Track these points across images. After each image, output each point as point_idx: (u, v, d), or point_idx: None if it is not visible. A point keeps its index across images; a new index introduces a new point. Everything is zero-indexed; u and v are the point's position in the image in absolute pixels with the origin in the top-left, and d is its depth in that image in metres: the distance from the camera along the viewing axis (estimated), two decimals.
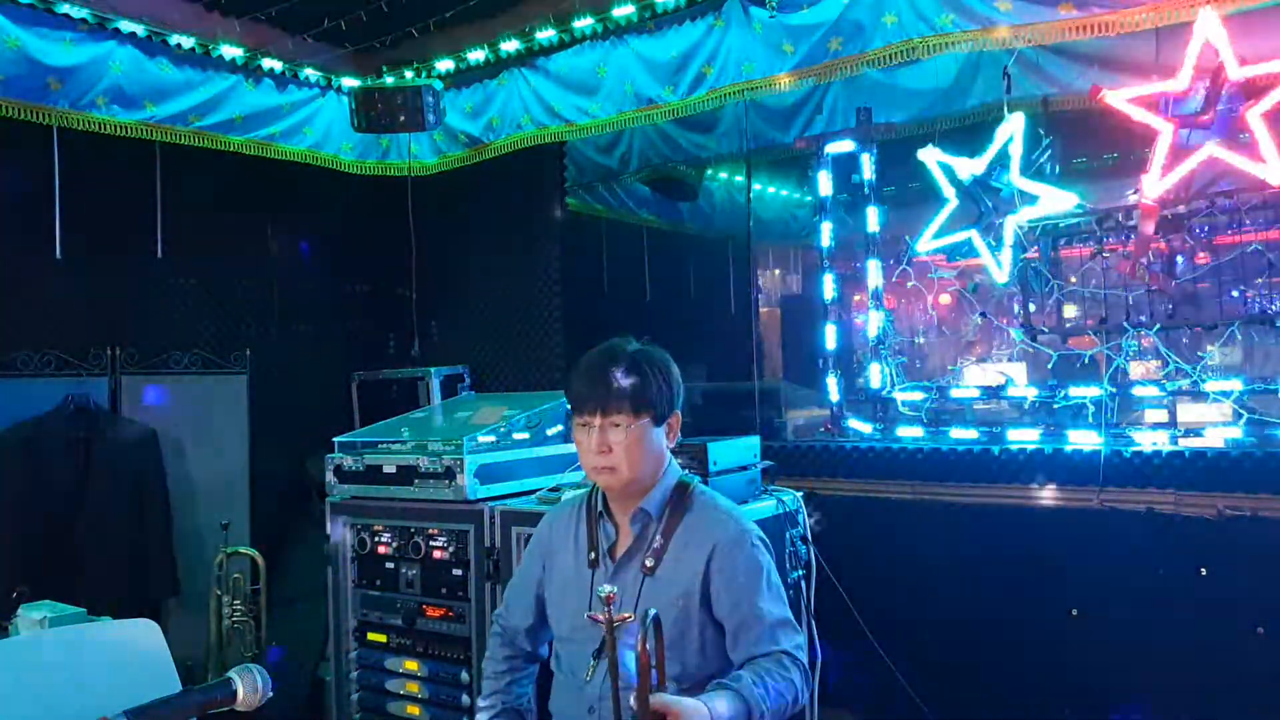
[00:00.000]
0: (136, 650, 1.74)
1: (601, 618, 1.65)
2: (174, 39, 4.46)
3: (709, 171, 6.83)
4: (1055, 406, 4.20)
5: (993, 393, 4.56)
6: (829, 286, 5.00)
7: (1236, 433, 3.72)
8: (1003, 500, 3.90)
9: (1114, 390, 4.03)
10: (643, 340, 2.15)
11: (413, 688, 3.15)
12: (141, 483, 4.40)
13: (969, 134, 4.89)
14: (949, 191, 4.61)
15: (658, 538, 2.08)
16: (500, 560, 2.94)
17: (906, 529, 4.10)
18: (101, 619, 2.06)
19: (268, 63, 4.80)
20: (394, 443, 3.28)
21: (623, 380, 2.03)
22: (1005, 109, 4.34)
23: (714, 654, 2.06)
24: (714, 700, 1.82)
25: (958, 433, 4.37)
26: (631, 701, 1.68)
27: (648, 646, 1.64)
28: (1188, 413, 4.10)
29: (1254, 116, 3.60)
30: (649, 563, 2.06)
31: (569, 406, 2.14)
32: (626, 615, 1.69)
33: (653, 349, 2.13)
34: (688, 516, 2.10)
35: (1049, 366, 4.48)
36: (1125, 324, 4.23)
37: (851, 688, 3.93)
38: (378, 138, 5.27)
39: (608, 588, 1.66)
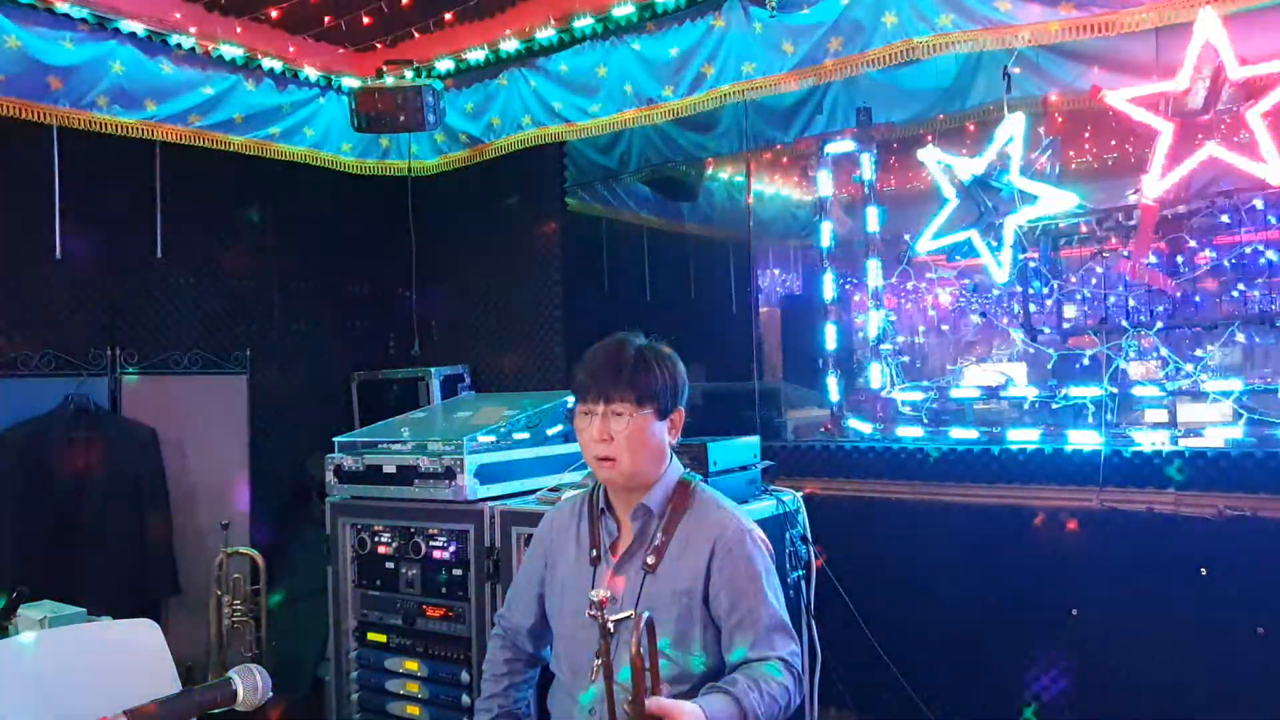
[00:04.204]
0: (136, 650, 1.74)
1: (597, 615, 1.65)
2: (174, 39, 4.45)
3: (709, 171, 6.82)
4: (1055, 406, 4.20)
5: (993, 393, 4.56)
6: (829, 286, 5.00)
7: (1236, 433, 3.72)
8: (1003, 500, 3.90)
9: (1114, 390, 4.02)
10: (649, 337, 2.16)
11: (413, 688, 3.15)
12: (141, 483, 4.39)
13: (969, 134, 4.89)
14: (949, 191, 4.61)
15: (659, 535, 2.08)
16: (500, 560, 2.94)
17: (906, 529, 4.09)
18: (101, 619, 2.06)
19: (268, 63, 4.80)
20: (394, 443, 3.28)
21: (628, 370, 2.04)
22: (1005, 109, 4.33)
23: (715, 653, 2.06)
24: (708, 703, 1.83)
25: (958, 433, 4.37)
26: (625, 705, 1.68)
27: (641, 650, 1.64)
28: (1188, 413, 4.09)
29: (1254, 116, 3.60)
30: (650, 560, 2.06)
31: (573, 395, 2.14)
32: (625, 614, 1.69)
33: (660, 345, 2.15)
34: (689, 514, 2.10)
35: (1049, 366, 4.48)
36: (1125, 324, 4.23)
37: (851, 687, 3.94)
38: (378, 137, 5.27)
39: (600, 591, 1.66)
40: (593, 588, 2.03)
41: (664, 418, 2.09)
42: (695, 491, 2.15)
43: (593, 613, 1.64)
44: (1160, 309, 4.20)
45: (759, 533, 2.13)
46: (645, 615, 1.67)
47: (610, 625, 1.63)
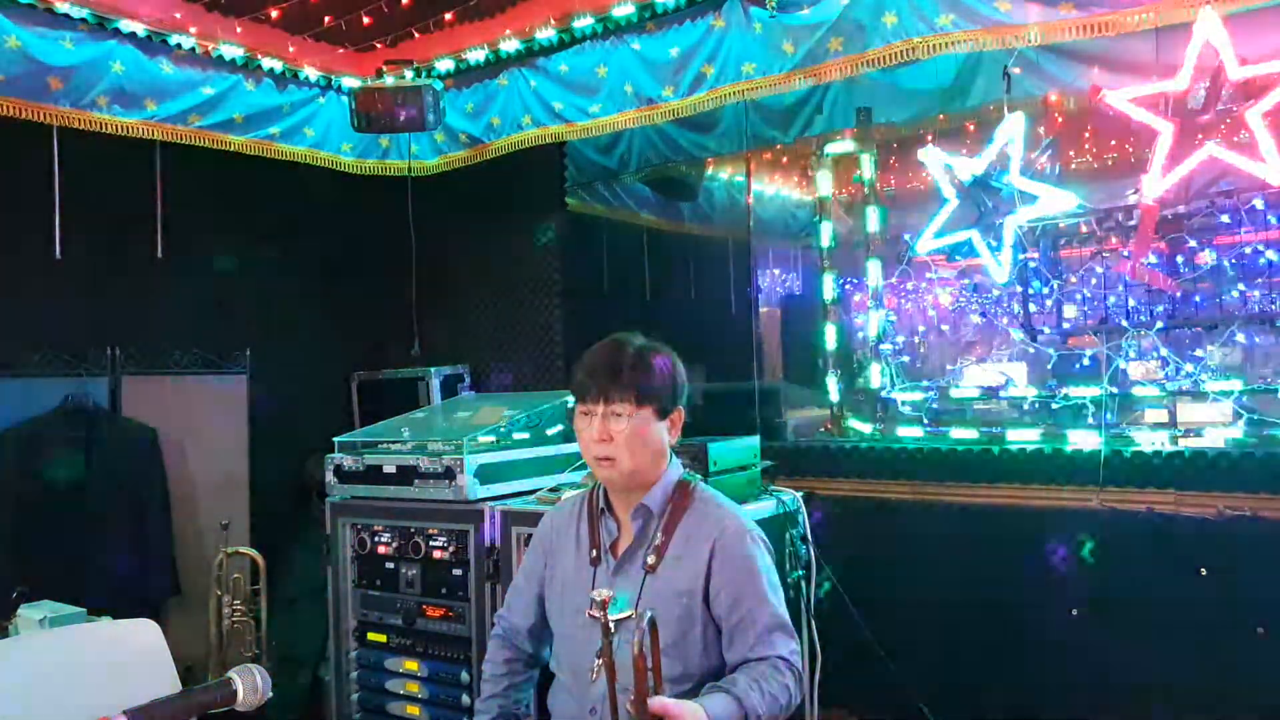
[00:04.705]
0: (136, 650, 1.74)
1: (599, 614, 1.65)
2: (174, 39, 4.45)
3: (709, 171, 6.83)
4: (1055, 406, 4.20)
5: (993, 393, 4.56)
6: (829, 286, 5.00)
7: (1236, 433, 3.72)
8: (1003, 500, 3.90)
9: (1114, 390, 4.02)
10: (648, 337, 2.16)
11: (412, 688, 3.15)
12: (141, 482, 4.39)
13: (969, 134, 4.90)
14: (949, 191, 4.61)
15: (659, 535, 2.08)
16: (500, 560, 2.94)
17: (906, 529, 4.09)
18: (101, 619, 2.07)
19: (268, 63, 4.80)
20: (394, 443, 3.28)
21: (627, 369, 2.04)
22: (1005, 109, 4.33)
23: (717, 652, 2.06)
24: (710, 703, 1.83)
25: (958, 433, 4.37)
26: (628, 705, 1.68)
27: (643, 649, 1.63)
28: (1188, 413, 4.09)
29: (1254, 116, 3.60)
30: (650, 560, 2.06)
31: (572, 396, 2.14)
32: (626, 614, 1.69)
33: (659, 345, 2.15)
34: (689, 514, 2.10)
35: (1049, 366, 4.48)
36: (1125, 324, 4.24)
37: (851, 687, 3.93)
38: (377, 137, 5.27)
39: (603, 591, 1.66)
40: (593, 588, 2.03)
41: (663, 417, 2.09)
42: (695, 491, 2.15)
43: (594, 613, 1.64)
44: (1160, 309, 4.20)
45: (759, 532, 2.13)
46: (648, 615, 1.67)
47: (611, 625, 1.63)
